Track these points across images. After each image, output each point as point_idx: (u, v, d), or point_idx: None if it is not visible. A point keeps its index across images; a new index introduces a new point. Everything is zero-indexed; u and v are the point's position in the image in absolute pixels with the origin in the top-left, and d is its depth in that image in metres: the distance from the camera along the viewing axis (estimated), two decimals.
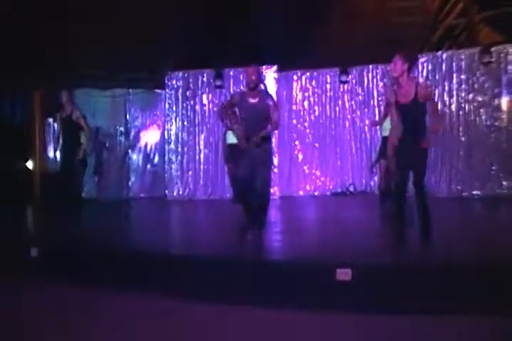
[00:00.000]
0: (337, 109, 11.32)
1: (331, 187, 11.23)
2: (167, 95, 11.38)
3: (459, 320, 3.68)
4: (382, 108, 9.89)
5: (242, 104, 5.49)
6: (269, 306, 4.02)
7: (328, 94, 11.36)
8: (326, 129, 11.34)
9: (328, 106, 11.37)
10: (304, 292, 4.13)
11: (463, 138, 9.82)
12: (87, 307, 4.25)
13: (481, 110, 9.74)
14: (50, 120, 12.30)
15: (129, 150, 11.75)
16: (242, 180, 5.52)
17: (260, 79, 5.49)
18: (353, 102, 11.22)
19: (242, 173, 5.50)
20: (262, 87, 5.56)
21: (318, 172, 11.27)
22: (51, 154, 12.27)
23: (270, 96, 5.57)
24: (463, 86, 9.88)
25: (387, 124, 8.84)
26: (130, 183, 11.80)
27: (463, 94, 9.89)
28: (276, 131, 6.59)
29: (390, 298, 3.97)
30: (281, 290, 4.18)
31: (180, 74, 11.28)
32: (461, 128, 9.84)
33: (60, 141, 8.13)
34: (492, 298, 3.84)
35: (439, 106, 9.88)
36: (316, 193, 11.19)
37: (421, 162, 5.01)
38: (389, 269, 4.17)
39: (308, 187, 11.28)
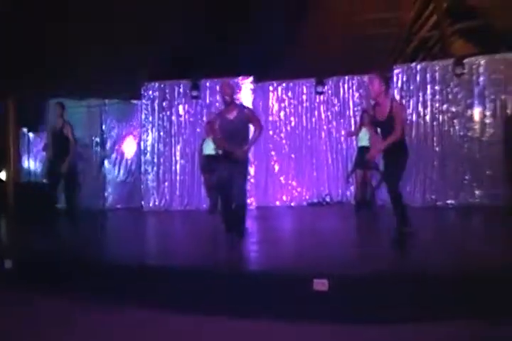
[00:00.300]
0: (313, 119, 11.37)
1: (307, 197, 11.26)
2: (143, 106, 11.34)
3: (437, 327, 3.69)
4: (357, 118, 10.00)
5: (222, 120, 5.81)
6: (246, 317, 4.00)
7: (305, 104, 11.41)
8: (302, 140, 11.39)
9: (304, 117, 11.41)
10: (280, 302, 4.11)
11: (437, 148, 9.92)
12: (61, 319, 4.19)
13: (455, 120, 9.86)
14: (25, 130, 12.19)
15: (105, 161, 11.63)
16: (222, 190, 5.84)
17: (235, 93, 5.87)
18: (329, 113, 11.28)
19: (221, 183, 5.81)
20: (237, 101, 5.90)
21: (294, 183, 11.29)
22: (25, 164, 12.15)
23: (246, 107, 5.94)
24: (437, 97, 10.00)
25: (363, 135, 8.96)
26: (106, 194, 11.69)
27: (437, 105, 10.00)
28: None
29: (367, 307, 3.96)
30: (257, 301, 4.15)
31: (157, 84, 11.25)
32: (435, 139, 9.94)
33: (50, 153, 8.37)
34: (467, 306, 3.87)
35: (414, 117, 10.04)
36: (292, 203, 11.20)
37: (391, 170, 5.48)
38: (366, 279, 4.17)
39: (284, 198, 11.29)
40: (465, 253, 5.01)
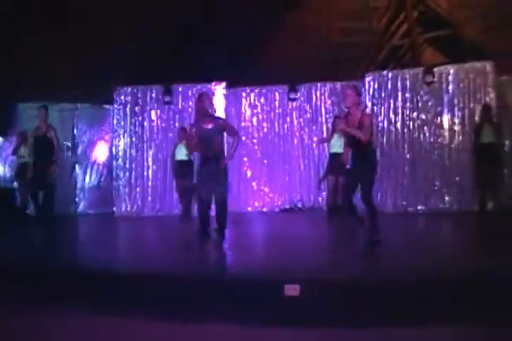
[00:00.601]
0: (285, 125, 11.39)
1: (279, 203, 11.27)
2: (115, 110, 11.20)
3: (409, 332, 3.72)
4: (329, 125, 10.06)
5: (199, 129, 6.10)
6: (217, 322, 3.98)
7: (277, 111, 11.43)
8: (274, 146, 11.40)
9: (276, 123, 11.43)
10: (251, 307, 4.10)
11: (408, 155, 10.04)
12: (28, 327, 4.10)
13: (425, 128, 9.99)
14: None
15: (77, 166, 11.46)
16: (203, 196, 6.15)
17: (212, 106, 6.28)
18: (301, 119, 11.31)
19: (203, 190, 6.14)
20: (213, 112, 6.31)
21: (266, 189, 11.30)
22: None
23: (220, 118, 6.38)
24: (407, 104, 10.12)
25: (335, 141, 9.03)
26: (77, 199, 11.51)
27: (407, 112, 10.11)
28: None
29: (339, 312, 3.98)
30: (228, 306, 4.14)
31: (129, 89, 11.14)
32: (406, 145, 10.05)
33: (32, 158, 8.63)
34: (438, 310, 3.91)
35: (385, 124, 10.16)
36: (264, 209, 11.21)
37: (366, 178, 5.75)
38: (337, 284, 4.19)
39: (256, 204, 11.29)
40: (434, 257, 5.07)
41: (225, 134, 6.40)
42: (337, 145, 8.92)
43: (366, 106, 10.15)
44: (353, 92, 5.73)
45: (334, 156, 8.94)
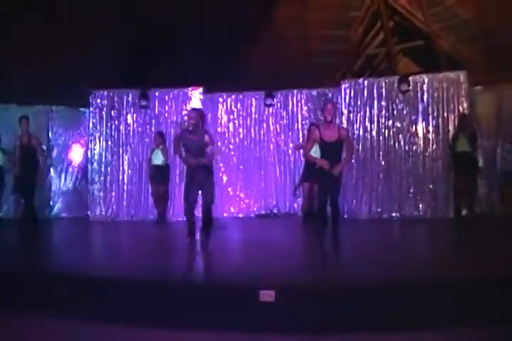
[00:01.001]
0: (262, 131, 11.40)
1: (255, 209, 11.26)
2: (91, 114, 11.10)
3: (383, 338, 3.74)
4: (305, 132, 10.10)
5: (186, 140, 6.56)
6: (192, 328, 3.95)
7: (253, 116, 11.43)
8: (250, 152, 11.40)
9: (253, 129, 11.44)
10: (226, 313, 4.09)
11: (383, 162, 10.14)
12: None
13: (400, 136, 10.11)
14: None
15: (51, 169, 11.27)
16: (190, 199, 6.54)
17: (199, 121, 6.56)
18: (277, 125, 11.33)
19: (191, 193, 6.54)
20: (201, 125, 6.65)
21: (242, 195, 11.28)
22: None
23: (207, 133, 6.65)
24: (383, 112, 10.23)
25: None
26: (52, 203, 11.32)
27: (383, 120, 10.22)
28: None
29: (314, 318, 3.99)
30: (203, 312, 4.12)
31: (105, 93, 11.06)
32: (381, 153, 10.15)
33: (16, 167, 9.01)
34: (412, 315, 3.94)
35: (361, 131, 10.25)
36: (240, 215, 11.18)
37: (336, 186, 6.19)
38: (312, 290, 4.20)
39: (232, 209, 11.26)
40: (408, 263, 5.13)
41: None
42: (312, 152, 8.94)
43: (342, 113, 10.27)
44: (333, 107, 6.28)
45: (309, 163, 8.97)
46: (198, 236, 6.73)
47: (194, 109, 6.99)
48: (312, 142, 8.10)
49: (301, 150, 9.74)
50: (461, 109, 9.80)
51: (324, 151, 6.29)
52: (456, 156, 8.98)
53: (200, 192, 6.61)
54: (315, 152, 8.76)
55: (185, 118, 7.02)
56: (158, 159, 9.98)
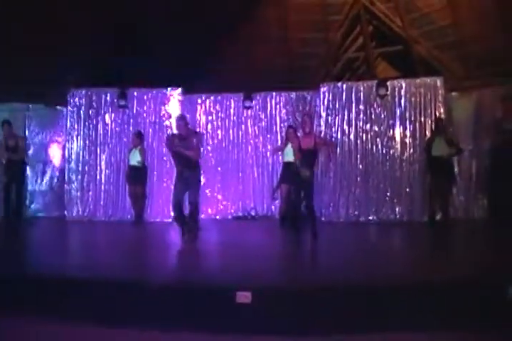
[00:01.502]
0: (240, 133, 11.39)
1: (232, 211, 11.24)
2: (69, 113, 10.97)
3: (359, 339, 3.77)
4: (284, 134, 10.12)
5: (175, 142, 7.06)
6: (168, 329, 3.94)
7: (232, 118, 11.42)
8: (228, 153, 11.38)
9: (231, 131, 11.42)
10: (203, 315, 4.08)
11: (360, 166, 10.21)
12: None
13: (377, 139, 10.20)
14: None
15: (28, 168, 11.08)
16: (178, 197, 7.02)
17: (187, 127, 7.22)
18: (256, 127, 11.34)
19: (178, 192, 7.04)
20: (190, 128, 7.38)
21: (220, 196, 11.26)
22: None
23: (196, 135, 7.27)
24: (361, 116, 10.31)
25: (288, 150, 9.10)
26: (28, 202, 11.15)
27: (361, 124, 10.30)
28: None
29: (290, 320, 4.00)
30: (180, 313, 4.10)
31: (84, 91, 10.94)
32: (358, 156, 10.23)
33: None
34: (388, 316, 3.97)
35: (339, 134, 10.31)
36: (217, 217, 11.15)
37: (309, 189, 7.13)
38: (288, 292, 4.21)
39: (210, 211, 11.21)
40: (384, 265, 5.17)
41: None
42: (290, 154, 9.01)
43: (321, 116, 10.34)
44: (310, 119, 7.67)
45: (287, 165, 9.02)
46: (183, 236, 7.19)
47: (181, 117, 7.48)
48: (285, 143, 8.51)
49: (279, 153, 9.77)
50: (437, 114, 9.93)
51: (303, 156, 7.28)
52: (432, 160, 9.09)
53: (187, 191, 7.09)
54: (287, 154, 8.88)
55: (175, 125, 7.70)
56: (135, 159, 9.92)
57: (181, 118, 7.29)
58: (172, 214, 8.06)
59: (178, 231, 7.24)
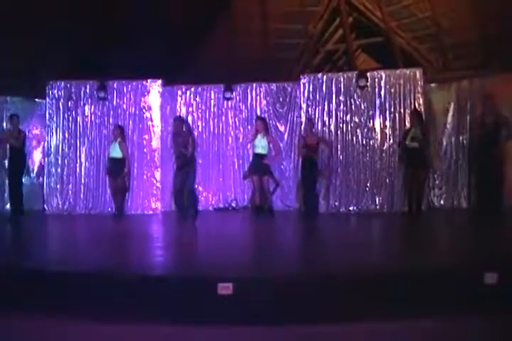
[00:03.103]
0: (220, 125, 11.36)
1: (213, 202, 11.25)
2: (48, 105, 10.85)
3: (343, 329, 3.79)
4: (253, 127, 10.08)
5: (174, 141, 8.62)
6: (148, 321, 3.92)
7: (212, 110, 11.38)
8: (209, 145, 11.35)
9: (211, 122, 11.39)
10: (184, 306, 4.06)
11: (341, 157, 10.25)
12: None
13: (358, 130, 10.23)
14: None
15: (6, 161, 10.90)
16: (177, 185, 8.54)
17: (182, 127, 8.62)
18: (236, 119, 11.32)
19: (177, 180, 8.53)
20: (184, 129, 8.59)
21: (200, 188, 11.19)
22: None
23: (190, 135, 8.62)
24: (341, 107, 10.33)
25: (258, 142, 9.19)
26: (6, 195, 10.96)
27: (341, 115, 10.33)
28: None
29: (272, 310, 4.01)
30: (160, 305, 4.08)
31: (63, 83, 10.81)
32: (339, 147, 10.26)
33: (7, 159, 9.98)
34: (371, 306, 4.00)
35: (319, 126, 10.33)
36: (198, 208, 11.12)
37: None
38: (270, 282, 4.22)
39: None
40: (365, 255, 5.22)
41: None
42: (260, 145, 9.16)
43: (301, 108, 10.36)
44: (308, 124, 9.74)
45: (258, 156, 9.13)
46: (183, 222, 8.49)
47: (177, 118, 9.18)
48: (254, 134, 8.74)
49: (249, 145, 9.85)
50: (417, 105, 9.99)
51: (308, 149, 9.37)
52: (406, 151, 9.19)
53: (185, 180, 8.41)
54: (260, 145, 8.98)
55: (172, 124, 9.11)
56: (115, 152, 9.86)
57: (177, 119, 8.88)
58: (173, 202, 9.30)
59: (175, 219, 8.11)
